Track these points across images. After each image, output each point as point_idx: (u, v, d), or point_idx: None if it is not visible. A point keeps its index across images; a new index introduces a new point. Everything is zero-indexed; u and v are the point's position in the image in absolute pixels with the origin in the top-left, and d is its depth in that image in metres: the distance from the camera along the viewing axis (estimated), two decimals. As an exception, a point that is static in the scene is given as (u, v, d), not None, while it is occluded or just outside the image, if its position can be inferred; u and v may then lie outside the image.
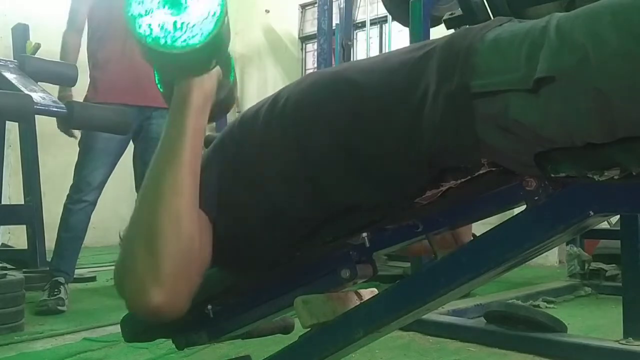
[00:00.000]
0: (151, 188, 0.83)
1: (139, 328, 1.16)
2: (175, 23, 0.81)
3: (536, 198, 0.80)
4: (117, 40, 3.11)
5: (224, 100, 1.00)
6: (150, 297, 0.76)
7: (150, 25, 0.81)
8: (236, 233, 0.93)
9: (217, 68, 0.93)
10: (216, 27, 0.82)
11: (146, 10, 0.82)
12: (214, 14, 0.82)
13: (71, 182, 3.19)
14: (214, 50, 0.85)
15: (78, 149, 3.32)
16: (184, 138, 0.85)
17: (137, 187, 3.31)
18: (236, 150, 0.95)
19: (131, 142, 3.30)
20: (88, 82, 3.33)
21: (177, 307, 0.80)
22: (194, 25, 0.81)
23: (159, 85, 1.03)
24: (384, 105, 0.83)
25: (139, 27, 0.81)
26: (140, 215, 0.82)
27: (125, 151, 3.53)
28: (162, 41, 0.81)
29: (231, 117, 1.46)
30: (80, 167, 3.13)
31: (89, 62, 3.32)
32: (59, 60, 3.46)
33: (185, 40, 0.81)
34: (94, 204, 3.13)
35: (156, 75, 1.03)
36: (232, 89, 1.03)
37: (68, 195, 3.10)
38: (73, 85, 3.74)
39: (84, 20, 3.26)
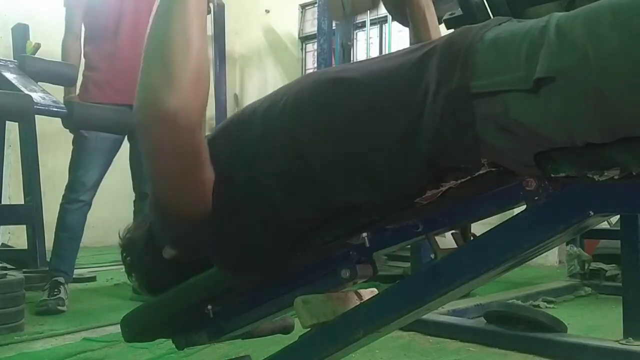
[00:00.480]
0: (161, 11, 0.86)
1: (138, 328, 1.16)
2: None
3: (536, 198, 0.80)
4: (109, 41, 3.14)
5: None
6: (165, 100, 0.79)
7: None
8: (235, 233, 0.93)
9: None
10: None
11: None
12: None
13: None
14: None
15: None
16: None
17: (135, 187, 3.32)
18: (233, 148, 0.95)
19: (126, 141, 3.30)
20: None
21: (189, 114, 0.81)
22: None
23: None
24: (383, 105, 0.83)
25: None
26: (153, 35, 0.85)
27: (125, 152, 3.53)
28: None
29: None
30: (75, 167, 3.13)
31: (85, 64, 3.35)
32: (60, 61, 3.47)
33: None
34: (90, 204, 3.13)
35: None
36: None
37: (64, 195, 3.11)
38: (73, 85, 3.74)
39: (80, 25, 3.29)
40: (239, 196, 0.92)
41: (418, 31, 1.36)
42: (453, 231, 0.99)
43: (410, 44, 1.30)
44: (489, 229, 0.85)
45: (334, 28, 4.51)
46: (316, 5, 4.77)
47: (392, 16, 1.34)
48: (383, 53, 5.87)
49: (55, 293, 2.86)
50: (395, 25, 5.28)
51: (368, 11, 5.76)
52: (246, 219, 0.92)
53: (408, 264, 3.21)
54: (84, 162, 3.12)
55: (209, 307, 1.06)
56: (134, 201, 3.37)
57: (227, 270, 1.01)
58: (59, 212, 3.12)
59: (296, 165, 0.89)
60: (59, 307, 2.79)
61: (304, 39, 7.21)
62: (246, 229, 0.93)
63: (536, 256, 0.99)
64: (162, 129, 0.81)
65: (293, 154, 0.89)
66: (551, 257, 4.65)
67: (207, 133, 1.11)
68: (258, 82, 7.48)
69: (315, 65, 5.80)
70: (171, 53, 0.82)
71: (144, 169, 0.89)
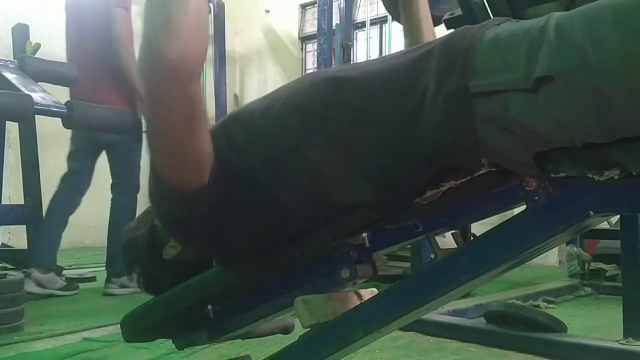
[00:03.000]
0: None
1: (139, 328, 1.16)
2: None
3: (536, 198, 0.80)
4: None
5: None
6: (166, 49, 0.80)
7: None
8: (235, 233, 0.93)
9: None
10: None
11: None
12: None
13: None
14: None
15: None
16: None
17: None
18: (231, 146, 0.95)
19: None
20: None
21: (189, 62, 0.82)
22: None
23: None
24: (383, 105, 0.83)
25: None
26: None
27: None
28: None
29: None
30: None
31: None
32: (60, 61, 3.50)
33: None
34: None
35: None
36: None
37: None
38: (73, 86, 3.74)
39: None
40: (236, 192, 0.92)
41: (412, 35, 1.35)
42: (453, 231, 0.99)
43: (405, 47, 1.29)
44: (489, 229, 0.85)
45: (334, 28, 4.52)
46: (316, 5, 4.77)
47: (392, 16, 1.34)
48: (383, 53, 5.88)
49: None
50: (395, 25, 5.28)
51: (368, 11, 5.76)
52: (245, 218, 0.92)
53: (408, 264, 3.21)
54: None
55: (209, 307, 1.06)
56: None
57: (227, 268, 1.02)
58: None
59: (295, 164, 0.89)
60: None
61: (304, 39, 7.21)
62: (245, 228, 0.93)
63: (536, 256, 0.99)
64: (162, 76, 0.82)
65: (291, 153, 0.89)
66: (551, 257, 4.65)
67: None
68: (258, 82, 7.48)
69: (315, 65, 5.80)
70: (169, 4, 0.82)
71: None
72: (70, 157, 3.53)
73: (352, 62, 4.75)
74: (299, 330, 1.02)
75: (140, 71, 0.85)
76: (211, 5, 5.49)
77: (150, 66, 0.83)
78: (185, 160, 0.89)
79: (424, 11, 1.33)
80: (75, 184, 3.47)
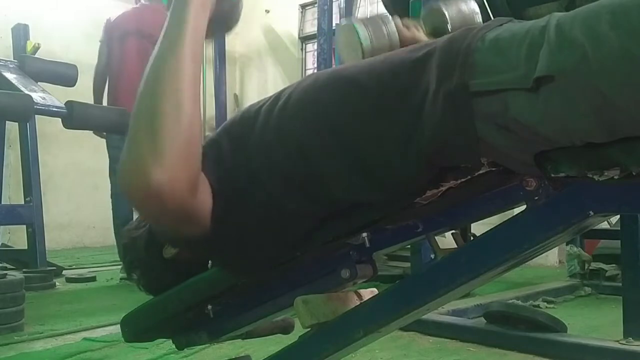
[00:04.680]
0: (152, 75, 0.83)
1: (139, 328, 1.16)
2: None
3: (536, 198, 0.80)
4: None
5: (226, 13, 1.00)
6: (151, 177, 0.75)
7: None
8: (235, 232, 0.93)
9: None
10: None
11: None
12: None
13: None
14: None
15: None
16: (183, 29, 0.84)
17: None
18: (235, 146, 0.95)
19: None
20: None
21: (178, 190, 0.78)
22: None
23: None
24: (384, 104, 0.83)
25: None
26: (142, 101, 0.81)
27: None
28: None
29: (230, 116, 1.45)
30: None
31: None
32: (60, 61, 3.51)
33: None
34: None
35: None
36: (235, 4, 1.03)
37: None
38: (73, 86, 3.75)
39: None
40: (239, 194, 0.92)
41: None
42: (453, 231, 0.99)
43: None
44: (489, 229, 0.85)
45: (334, 28, 4.51)
46: (316, 5, 4.77)
47: (391, 15, 1.33)
48: (383, 53, 5.85)
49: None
50: (395, 25, 5.26)
51: (368, 11, 5.76)
52: (246, 217, 0.92)
53: (408, 264, 3.21)
54: None
55: (209, 307, 1.06)
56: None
57: (227, 269, 1.02)
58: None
59: (296, 163, 0.89)
60: None
61: (304, 39, 7.21)
62: (246, 227, 0.93)
63: (536, 256, 0.99)
64: (147, 200, 0.78)
65: (294, 152, 0.89)
66: (551, 257, 4.65)
67: (207, 133, 1.11)
68: (258, 82, 7.48)
69: (315, 65, 5.80)
70: (160, 122, 0.77)
71: None
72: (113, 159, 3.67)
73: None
74: (299, 330, 1.02)
75: (122, 187, 0.79)
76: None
77: (134, 187, 0.78)
78: (186, 230, 0.88)
79: None
80: None
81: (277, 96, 0.95)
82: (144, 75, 0.83)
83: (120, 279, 3.43)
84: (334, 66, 4.14)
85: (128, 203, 0.86)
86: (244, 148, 0.94)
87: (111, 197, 3.68)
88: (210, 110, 5.50)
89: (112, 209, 3.69)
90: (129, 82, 3.40)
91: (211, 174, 0.91)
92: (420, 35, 1.19)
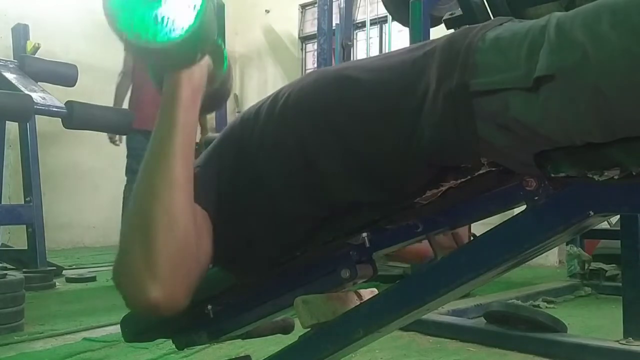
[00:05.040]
0: (144, 183, 0.82)
1: (139, 328, 1.16)
2: (154, 17, 0.80)
3: (536, 198, 0.80)
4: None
5: (217, 91, 0.99)
6: (147, 292, 0.75)
7: (130, 20, 0.80)
8: (236, 233, 0.93)
9: (207, 59, 0.92)
10: (197, 19, 0.80)
11: (124, 6, 0.81)
12: (194, 6, 0.81)
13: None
14: (199, 42, 0.83)
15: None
16: (174, 131, 0.83)
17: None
18: (236, 149, 0.95)
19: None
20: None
21: (176, 302, 0.78)
22: (174, 19, 0.80)
23: (153, 81, 1.02)
24: (384, 104, 0.83)
25: (119, 23, 0.80)
26: (134, 210, 0.81)
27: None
28: (143, 36, 0.80)
29: (231, 117, 1.45)
30: None
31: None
32: (60, 61, 3.51)
33: (166, 34, 0.79)
34: None
35: (149, 70, 1.02)
36: (225, 79, 1.01)
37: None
38: (73, 86, 3.75)
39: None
40: (239, 195, 0.92)
41: None
42: (453, 231, 0.99)
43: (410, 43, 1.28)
44: (489, 229, 0.85)
45: (334, 28, 4.52)
46: (316, 5, 4.77)
47: (392, 16, 1.33)
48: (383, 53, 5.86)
49: None
50: (395, 25, 5.27)
51: (368, 11, 5.75)
52: (246, 218, 0.93)
53: (408, 264, 3.21)
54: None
55: (209, 307, 1.06)
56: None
57: (228, 270, 1.02)
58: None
59: (297, 164, 0.89)
60: None
61: (304, 39, 7.22)
62: (247, 228, 0.93)
63: (536, 256, 0.99)
64: (145, 312, 0.79)
65: (293, 153, 0.89)
66: (551, 257, 4.65)
67: (209, 134, 1.11)
68: (258, 82, 7.48)
69: (315, 65, 5.80)
70: (154, 236, 0.76)
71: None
72: (130, 156, 3.79)
73: (352, 59, 4.74)
74: (299, 330, 1.02)
75: (120, 293, 0.79)
76: (211, 5, 5.48)
77: (131, 300, 0.78)
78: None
79: None
80: None
81: (276, 96, 0.95)
82: (137, 180, 0.82)
83: None
84: (334, 65, 4.14)
85: None
86: (245, 151, 0.94)
87: (124, 194, 3.72)
88: (210, 110, 5.50)
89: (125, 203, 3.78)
90: (153, 94, 3.46)
91: (214, 178, 0.91)
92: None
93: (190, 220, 0.80)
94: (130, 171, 3.88)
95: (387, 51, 5.61)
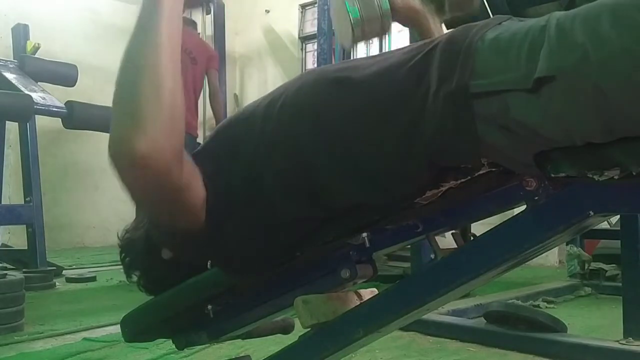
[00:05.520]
0: (132, 47, 0.83)
1: (138, 328, 1.16)
2: None
3: (536, 198, 0.80)
4: None
5: None
6: (135, 145, 0.76)
7: None
8: (233, 233, 0.93)
9: None
10: None
11: None
12: None
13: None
14: None
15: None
16: (159, 4, 0.83)
17: None
18: (232, 148, 0.95)
19: None
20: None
21: (162, 160, 0.79)
22: None
23: None
24: (383, 105, 0.83)
25: None
26: (124, 73, 0.82)
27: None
28: None
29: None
30: None
31: None
32: (60, 61, 3.50)
33: None
34: None
35: None
36: None
37: None
38: (73, 86, 3.75)
39: None
40: (237, 196, 0.92)
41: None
42: (453, 231, 0.99)
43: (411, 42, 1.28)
44: (489, 229, 0.85)
45: (334, 28, 4.51)
46: (316, 5, 4.77)
47: (392, 16, 1.33)
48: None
49: None
50: (396, 25, 5.26)
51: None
52: (244, 218, 0.92)
53: (408, 264, 3.21)
54: None
55: (209, 307, 1.06)
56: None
57: (227, 271, 1.02)
58: None
59: (295, 164, 0.89)
60: None
61: (304, 39, 7.21)
62: (244, 229, 0.93)
63: (536, 256, 0.99)
64: (134, 173, 0.79)
65: (292, 153, 0.89)
66: (551, 257, 4.65)
67: (208, 133, 1.11)
68: (258, 82, 7.48)
69: (315, 65, 5.80)
70: (141, 95, 0.78)
71: None
72: None
73: (352, 59, 4.73)
74: (299, 330, 1.02)
75: (111, 162, 0.81)
76: (211, 5, 5.49)
77: (120, 161, 0.80)
78: (179, 217, 0.89)
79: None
80: None
81: (275, 97, 0.95)
82: (125, 47, 0.83)
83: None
84: (333, 63, 4.13)
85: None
86: (242, 150, 0.93)
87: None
88: (210, 110, 5.50)
89: None
90: None
91: (206, 173, 0.91)
92: (414, 2, 1.19)
93: (177, 86, 0.82)
94: None
95: (386, 51, 5.61)
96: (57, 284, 3.60)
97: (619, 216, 2.27)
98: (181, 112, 0.83)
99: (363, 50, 6.07)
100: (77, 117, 3.17)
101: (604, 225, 3.30)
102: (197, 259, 1.05)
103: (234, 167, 0.93)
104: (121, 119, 0.80)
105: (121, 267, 1.15)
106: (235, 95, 7.45)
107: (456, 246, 0.96)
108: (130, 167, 0.79)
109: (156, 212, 0.92)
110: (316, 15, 4.81)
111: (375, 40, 6.17)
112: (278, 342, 1.13)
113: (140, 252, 1.10)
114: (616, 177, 0.73)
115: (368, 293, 1.06)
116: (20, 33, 3.92)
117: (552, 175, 0.76)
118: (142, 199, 0.87)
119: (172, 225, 0.92)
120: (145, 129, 0.77)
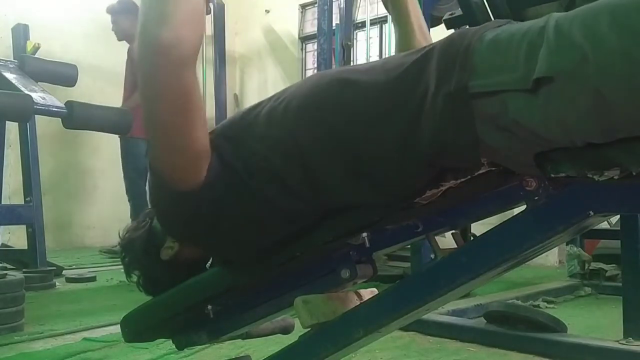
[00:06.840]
0: None
1: (139, 328, 1.16)
2: None
3: (536, 198, 0.80)
4: None
5: None
6: (158, 33, 0.82)
7: None
8: (235, 233, 0.93)
9: None
10: None
11: None
12: None
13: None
14: None
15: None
16: None
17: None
18: (234, 147, 0.95)
19: None
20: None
21: (182, 48, 0.83)
22: None
23: None
24: (384, 106, 0.83)
25: None
26: None
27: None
28: None
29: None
30: None
31: None
32: (60, 61, 3.51)
33: None
34: None
35: None
36: None
37: None
38: (73, 86, 3.75)
39: None
40: (237, 193, 0.92)
41: (403, 36, 1.28)
42: (453, 231, 0.99)
43: (397, 50, 1.25)
44: (489, 229, 0.85)
45: (334, 28, 4.51)
46: (316, 5, 4.77)
47: (392, 16, 1.32)
48: (383, 53, 5.87)
49: None
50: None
51: (368, 11, 5.76)
52: (243, 216, 0.92)
53: (408, 264, 3.21)
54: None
55: (209, 307, 1.06)
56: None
57: (224, 267, 1.02)
58: None
59: (296, 164, 0.89)
60: None
61: (304, 39, 7.21)
62: (243, 225, 0.93)
63: (536, 256, 0.99)
64: (155, 61, 0.83)
65: (293, 154, 0.89)
66: (551, 257, 4.65)
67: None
68: (258, 82, 7.48)
69: (315, 65, 5.80)
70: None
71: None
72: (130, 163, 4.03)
73: (352, 63, 4.75)
74: (299, 330, 1.02)
75: (137, 55, 0.86)
76: (211, 5, 5.49)
77: (144, 52, 0.84)
78: (181, 153, 0.89)
79: (417, 22, 1.26)
80: None
81: (278, 98, 0.95)
82: None
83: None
84: (334, 66, 4.15)
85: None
86: (244, 149, 0.94)
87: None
88: (210, 110, 5.50)
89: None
90: None
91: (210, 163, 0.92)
92: None
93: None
94: (128, 177, 3.99)
95: (387, 51, 5.62)
96: (57, 284, 3.59)
97: (619, 216, 2.27)
98: (202, 12, 0.90)
99: (363, 52, 6.07)
100: (77, 117, 3.16)
101: (604, 225, 3.30)
102: (195, 258, 1.05)
103: (236, 165, 0.93)
104: (148, 12, 0.85)
105: (121, 267, 1.16)
106: (235, 95, 7.45)
107: (456, 246, 0.96)
108: (154, 54, 0.83)
109: (165, 137, 0.89)
110: (316, 15, 4.81)
111: (375, 41, 6.15)
112: (278, 342, 1.13)
113: (139, 252, 1.10)
114: (616, 177, 0.73)
115: (368, 293, 1.06)
116: (20, 33, 3.92)
117: (552, 176, 0.77)
118: (157, 101, 0.87)
119: (174, 175, 0.91)
120: (169, 21, 0.82)
